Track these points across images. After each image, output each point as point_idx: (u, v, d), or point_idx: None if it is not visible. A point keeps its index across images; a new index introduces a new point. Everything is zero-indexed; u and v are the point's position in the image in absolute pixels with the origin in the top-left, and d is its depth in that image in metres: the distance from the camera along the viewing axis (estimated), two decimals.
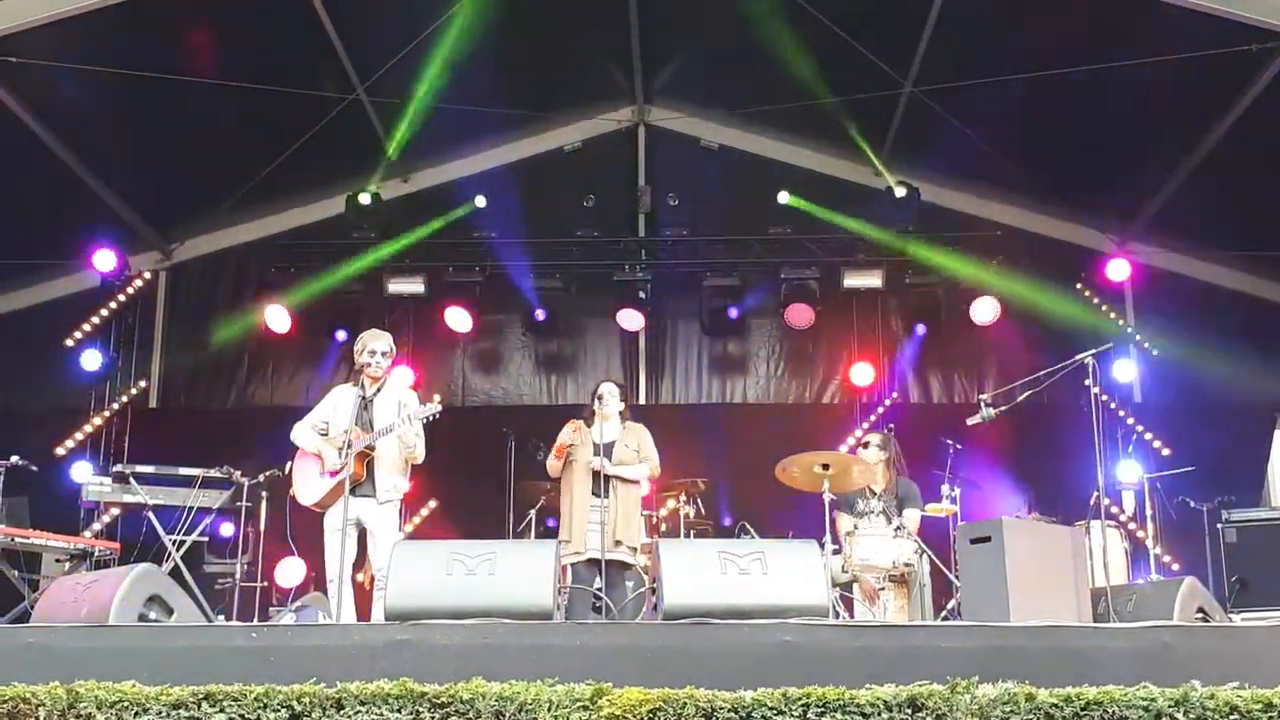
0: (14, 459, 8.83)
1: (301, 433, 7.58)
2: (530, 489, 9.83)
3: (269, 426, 8.60)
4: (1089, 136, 10.69)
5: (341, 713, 4.46)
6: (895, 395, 12.08)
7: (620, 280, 11.91)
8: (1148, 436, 11.39)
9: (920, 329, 11.99)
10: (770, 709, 4.34)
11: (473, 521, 10.51)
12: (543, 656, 4.93)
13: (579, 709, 4.36)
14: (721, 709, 4.36)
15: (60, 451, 11.58)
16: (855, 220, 11.63)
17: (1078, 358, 7.31)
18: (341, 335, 11.51)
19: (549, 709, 4.37)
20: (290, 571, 9.69)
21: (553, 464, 8.25)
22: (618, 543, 7.93)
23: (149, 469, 9.19)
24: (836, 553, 8.05)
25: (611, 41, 11.32)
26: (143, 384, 12.30)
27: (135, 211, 11.85)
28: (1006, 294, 11.51)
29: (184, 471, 9.16)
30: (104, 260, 11.69)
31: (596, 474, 7.99)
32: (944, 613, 8.24)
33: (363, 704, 4.46)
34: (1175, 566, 10.05)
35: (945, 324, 11.89)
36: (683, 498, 9.87)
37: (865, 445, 9.00)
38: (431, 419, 7.39)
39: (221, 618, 8.54)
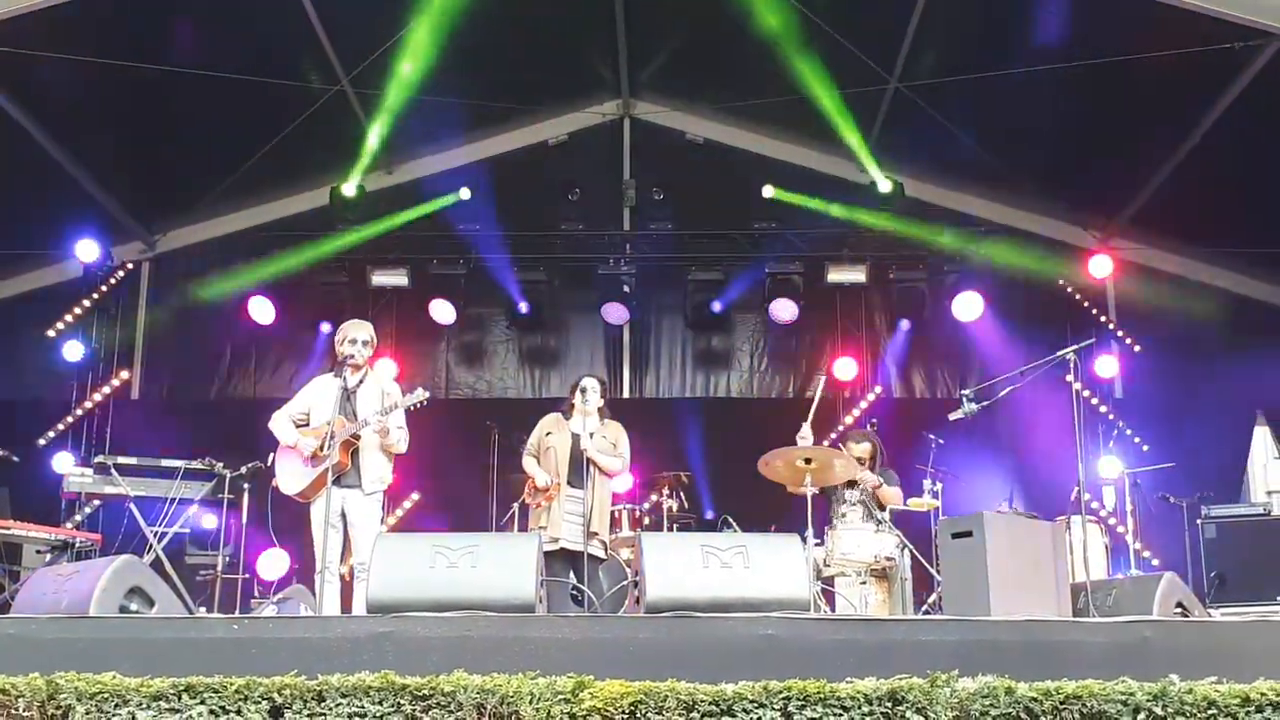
0: None
1: (279, 423, 7.54)
2: (513, 482, 9.80)
3: (251, 418, 8.56)
4: (1073, 133, 10.73)
5: (323, 705, 4.45)
6: (879, 390, 12.11)
7: (605, 274, 11.91)
8: (1128, 432, 11.44)
9: (904, 324, 12.04)
10: (751, 702, 4.35)
11: (455, 514, 10.50)
12: (524, 649, 4.93)
13: (560, 701, 4.37)
14: (702, 702, 4.36)
15: (42, 442, 11.52)
16: (838, 205, 11.59)
17: (1059, 353, 7.32)
18: (325, 327, 11.44)
19: (530, 701, 4.37)
20: (272, 563, 9.67)
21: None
22: (593, 534, 7.93)
23: (131, 460, 9.18)
24: (819, 545, 8.07)
25: (597, 35, 11.29)
26: (125, 375, 12.22)
27: (118, 201, 11.78)
28: (989, 289, 11.55)
29: (166, 463, 9.15)
30: (87, 250, 11.64)
31: (574, 465, 7.99)
32: (925, 607, 8.27)
33: (344, 696, 4.45)
34: (1155, 562, 10.10)
35: (929, 319, 11.94)
36: (666, 491, 9.86)
37: (845, 442, 9.01)
38: (418, 406, 7.38)
39: (203, 610, 8.53)
